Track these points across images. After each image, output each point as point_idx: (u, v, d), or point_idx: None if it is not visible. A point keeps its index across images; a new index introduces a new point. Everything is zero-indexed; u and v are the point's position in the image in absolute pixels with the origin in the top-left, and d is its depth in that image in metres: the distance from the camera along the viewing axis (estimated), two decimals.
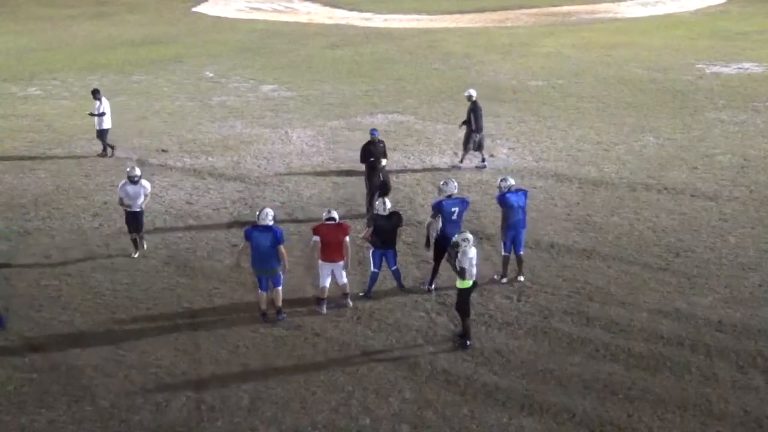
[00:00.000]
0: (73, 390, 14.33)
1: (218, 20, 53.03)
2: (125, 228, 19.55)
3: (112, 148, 26.06)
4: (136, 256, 19.23)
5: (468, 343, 15.31)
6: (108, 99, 26.43)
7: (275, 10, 57.16)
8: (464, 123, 24.73)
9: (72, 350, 15.49)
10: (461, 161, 24.97)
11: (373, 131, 21.89)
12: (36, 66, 39.22)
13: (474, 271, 15.30)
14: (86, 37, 46.72)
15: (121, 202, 19.37)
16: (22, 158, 26.07)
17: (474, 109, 24.38)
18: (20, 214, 21.79)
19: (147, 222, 20.81)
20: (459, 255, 15.11)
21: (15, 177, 24.49)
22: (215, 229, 20.81)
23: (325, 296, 16.70)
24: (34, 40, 46.03)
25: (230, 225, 20.96)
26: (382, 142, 21.75)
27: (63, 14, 53.71)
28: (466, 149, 24.70)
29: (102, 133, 25.90)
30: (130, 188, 19.10)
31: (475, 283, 15.48)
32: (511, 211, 17.54)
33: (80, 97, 32.39)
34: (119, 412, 13.72)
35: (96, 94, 26.11)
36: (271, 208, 17.01)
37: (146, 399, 14.06)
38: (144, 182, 19.39)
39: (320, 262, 16.57)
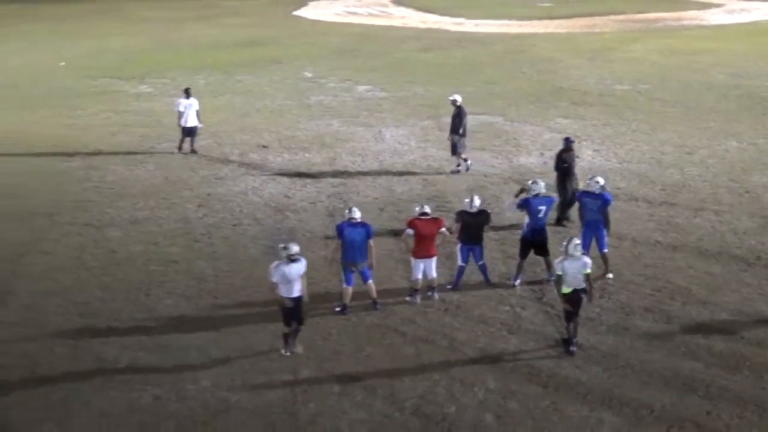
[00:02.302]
0: (176, 369, 14.63)
1: (316, 23, 53.43)
2: (227, 217, 19.59)
3: (184, 147, 26.26)
4: (286, 353, 15.00)
5: (571, 349, 14.89)
6: (213, 97, 26.73)
7: (371, 15, 57.33)
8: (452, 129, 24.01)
9: (176, 332, 15.81)
10: (458, 167, 24.33)
11: (567, 139, 20.83)
12: (147, 65, 40.01)
13: (575, 280, 14.75)
14: (192, 39, 47.50)
15: (275, 289, 14.78)
16: (133, 152, 26.62)
17: (458, 114, 23.79)
18: (131, 203, 22.26)
19: (247, 214, 21.08)
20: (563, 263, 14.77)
21: (126, 169, 25.03)
22: (311, 221, 21.00)
23: (419, 287, 16.75)
24: (144, 41, 46.96)
25: (325, 218, 21.12)
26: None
27: (170, 17, 54.69)
28: (457, 154, 24.13)
29: (183, 130, 26.13)
30: (288, 269, 14.64)
31: (576, 291, 14.83)
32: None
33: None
34: (219, 392, 13.96)
35: (187, 91, 26.40)
36: (365, 203, 17.08)
37: (244, 380, 14.26)
38: (303, 260, 14.91)
39: (413, 258, 16.60)
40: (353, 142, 27.41)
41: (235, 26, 51.76)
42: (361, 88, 35.03)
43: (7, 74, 37.96)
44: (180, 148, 26.20)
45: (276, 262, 14.67)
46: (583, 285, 14.75)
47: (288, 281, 14.60)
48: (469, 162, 24.28)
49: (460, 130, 23.81)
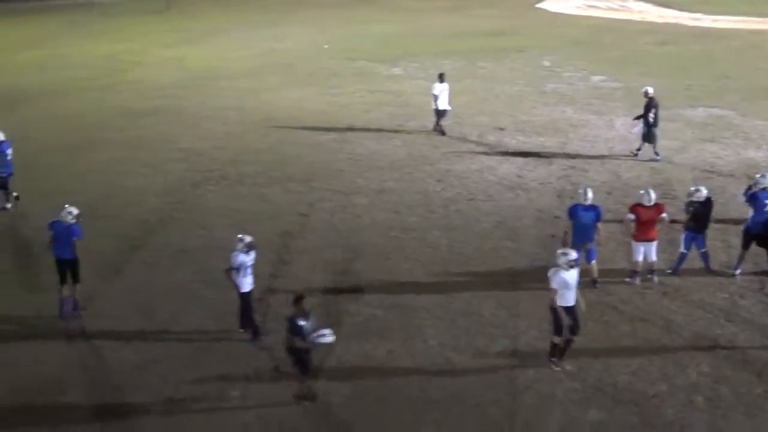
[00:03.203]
0: (408, 327, 14.89)
1: (558, 16, 52.41)
2: (462, 192, 19.69)
3: (438, 127, 26.29)
4: (556, 368, 13.56)
5: None
6: (456, 82, 26.76)
7: (610, 8, 55.64)
8: (638, 117, 23.63)
9: (409, 293, 16.08)
10: (639, 150, 23.73)
11: None
12: (400, 50, 40.64)
13: None
14: (443, 27, 47.78)
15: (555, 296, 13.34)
16: (382, 129, 27.17)
17: (648, 105, 23.19)
18: (377, 175, 22.77)
19: (481, 190, 21.11)
20: None
21: (376, 143, 25.61)
22: (540, 200, 20.73)
23: (639, 269, 16.21)
24: (400, 28, 47.71)
25: (554, 198, 20.79)
26: None
27: (427, 6, 55.20)
28: (648, 141, 23.50)
29: (436, 112, 26.25)
30: (568, 275, 13.28)
31: None
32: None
33: (434, 79, 33.31)
34: (444, 351, 14.10)
35: (441, 76, 26.50)
36: (592, 186, 16.69)
37: (469, 342, 14.34)
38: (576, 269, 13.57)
39: (634, 242, 16.09)
40: (585, 129, 26.77)
41: (482, 17, 51.63)
42: (596, 77, 34.06)
43: (284, 55, 39.68)
44: (437, 128, 26.22)
45: (553, 269, 13.28)
46: None
47: (568, 288, 13.30)
48: (642, 151, 23.65)
49: (650, 121, 23.27)
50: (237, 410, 12.77)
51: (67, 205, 15.69)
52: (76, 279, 15.59)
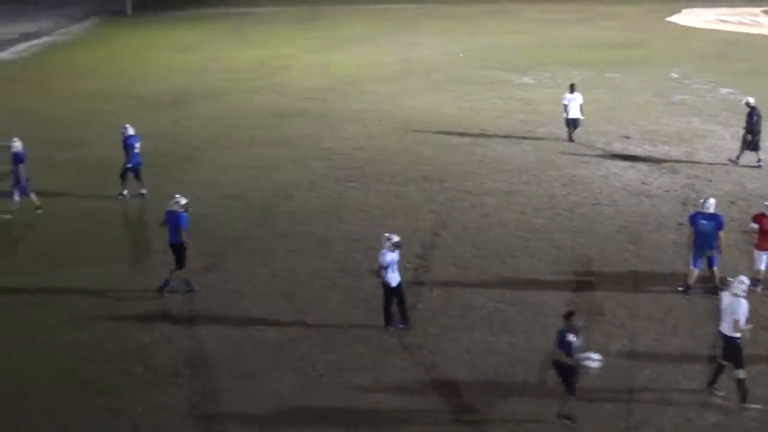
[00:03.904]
0: (530, 322, 14.78)
1: (688, 30, 50.73)
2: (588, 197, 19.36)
3: (570, 137, 25.72)
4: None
5: None
6: (584, 91, 26.26)
7: (741, 23, 53.44)
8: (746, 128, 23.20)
9: (534, 290, 15.93)
10: (758, 162, 22.92)
11: None
12: (530, 60, 40.18)
13: None
14: (572, 38, 46.96)
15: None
16: (511, 135, 26.90)
17: (750, 114, 22.97)
18: (506, 177, 22.62)
19: (605, 195, 20.73)
20: None
21: (506, 148, 25.43)
22: (664, 207, 20.18)
23: (762, 278, 15.61)
24: (530, 39, 47.15)
25: (678, 205, 20.19)
26: None
27: (556, 19, 54.36)
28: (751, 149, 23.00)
29: (567, 122, 25.74)
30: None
31: None
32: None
33: (563, 88, 32.77)
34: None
35: (571, 87, 26.08)
36: (716, 196, 16.16)
37: (589, 339, 14.08)
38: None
39: (756, 251, 15.51)
40: (711, 139, 25.84)
41: (611, 29, 50.47)
42: (724, 90, 32.78)
43: (421, 63, 39.85)
44: (570, 138, 25.67)
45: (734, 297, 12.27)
46: None
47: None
48: (742, 160, 23.09)
49: (754, 128, 22.95)
50: None
51: (177, 195, 16.17)
52: (178, 264, 16.03)
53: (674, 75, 36.03)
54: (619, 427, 11.96)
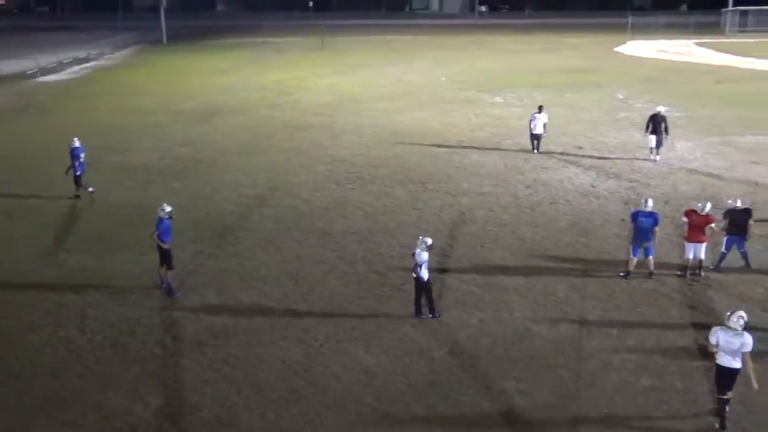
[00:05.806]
0: (497, 302, 14.64)
1: (632, 58, 50.73)
2: (546, 197, 19.28)
3: (534, 148, 25.49)
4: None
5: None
6: (546, 110, 26.16)
7: (676, 53, 53.50)
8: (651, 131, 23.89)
9: (500, 275, 15.84)
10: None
11: None
12: (501, 83, 40.17)
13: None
14: (536, 65, 46.93)
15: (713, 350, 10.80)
16: (484, 145, 26.86)
17: (654, 118, 23.86)
18: (479, 180, 22.51)
19: (561, 196, 20.54)
20: None
21: (479, 156, 25.33)
22: (609, 206, 20.09)
23: (689, 265, 15.52)
24: (502, 66, 47.15)
25: (621, 205, 20.11)
26: None
27: (524, 49, 54.40)
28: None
29: (531, 136, 25.55)
30: (733, 339, 10.42)
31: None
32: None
33: (528, 106, 32.72)
34: (525, 322, 13.85)
35: (540, 108, 25.86)
36: (653, 196, 16.06)
37: (545, 316, 14.03)
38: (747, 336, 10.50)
39: (686, 242, 15.41)
40: (648, 150, 25.73)
41: (570, 57, 50.47)
42: (661, 108, 32.68)
43: (410, 85, 39.84)
44: (533, 149, 25.40)
45: (717, 328, 10.63)
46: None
47: (732, 352, 10.47)
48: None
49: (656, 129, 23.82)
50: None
51: (165, 204, 15.14)
52: (164, 263, 14.97)
53: (620, 96, 36.03)
54: (569, 388, 11.86)
